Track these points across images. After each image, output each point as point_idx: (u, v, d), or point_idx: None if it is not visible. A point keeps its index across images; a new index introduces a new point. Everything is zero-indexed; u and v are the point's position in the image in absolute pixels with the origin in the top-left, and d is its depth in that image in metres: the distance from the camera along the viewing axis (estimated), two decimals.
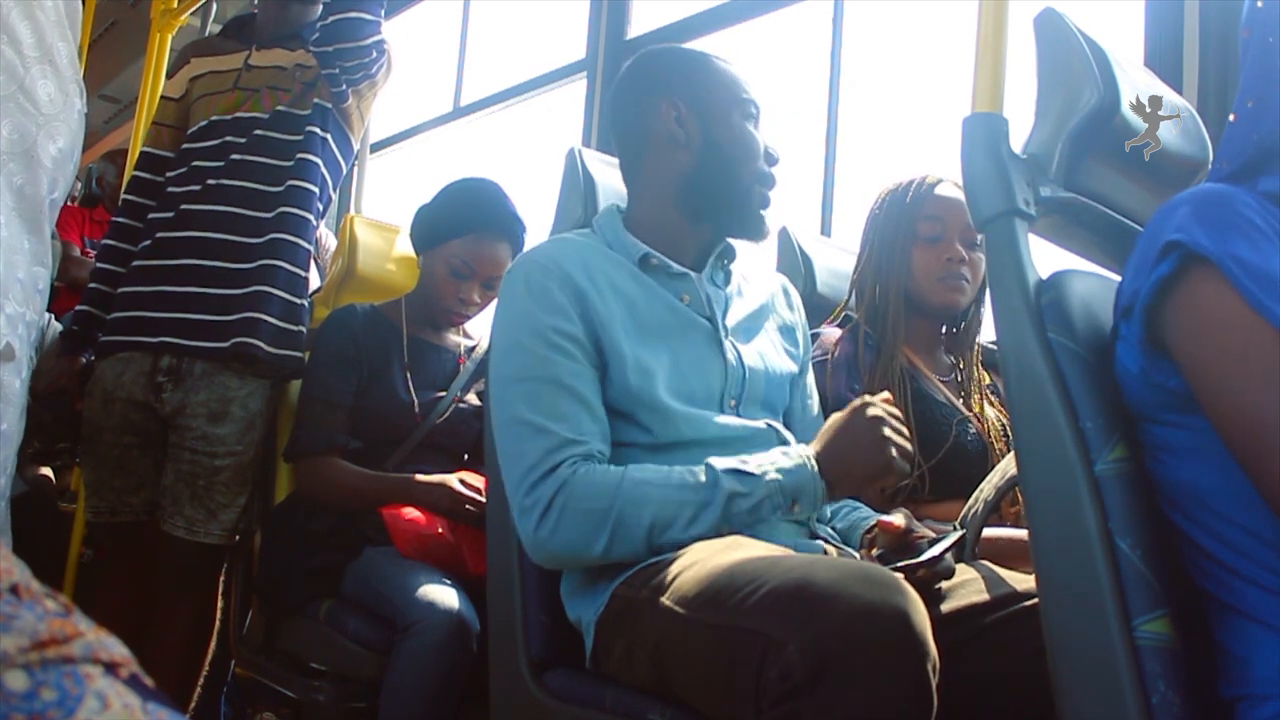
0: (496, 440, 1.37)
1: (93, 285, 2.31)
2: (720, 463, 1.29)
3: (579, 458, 1.30)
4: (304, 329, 2.17)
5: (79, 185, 4.38)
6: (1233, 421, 0.89)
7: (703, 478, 1.28)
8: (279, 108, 2.23)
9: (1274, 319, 0.85)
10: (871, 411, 1.29)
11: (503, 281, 1.45)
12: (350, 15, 2.09)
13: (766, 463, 1.29)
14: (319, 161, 2.21)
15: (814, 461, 1.29)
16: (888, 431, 1.27)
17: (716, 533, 1.26)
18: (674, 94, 1.49)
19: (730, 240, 1.55)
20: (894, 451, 1.26)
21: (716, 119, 1.48)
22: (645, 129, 1.51)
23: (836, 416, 1.33)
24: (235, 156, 2.19)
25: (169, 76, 2.51)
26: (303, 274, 2.17)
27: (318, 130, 2.22)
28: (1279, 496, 0.86)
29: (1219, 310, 0.89)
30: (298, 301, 2.16)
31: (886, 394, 1.33)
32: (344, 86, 2.21)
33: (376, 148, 3.99)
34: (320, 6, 2.32)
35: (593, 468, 1.29)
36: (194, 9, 3.20)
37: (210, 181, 2.18)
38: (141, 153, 2.44)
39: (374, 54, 2.16)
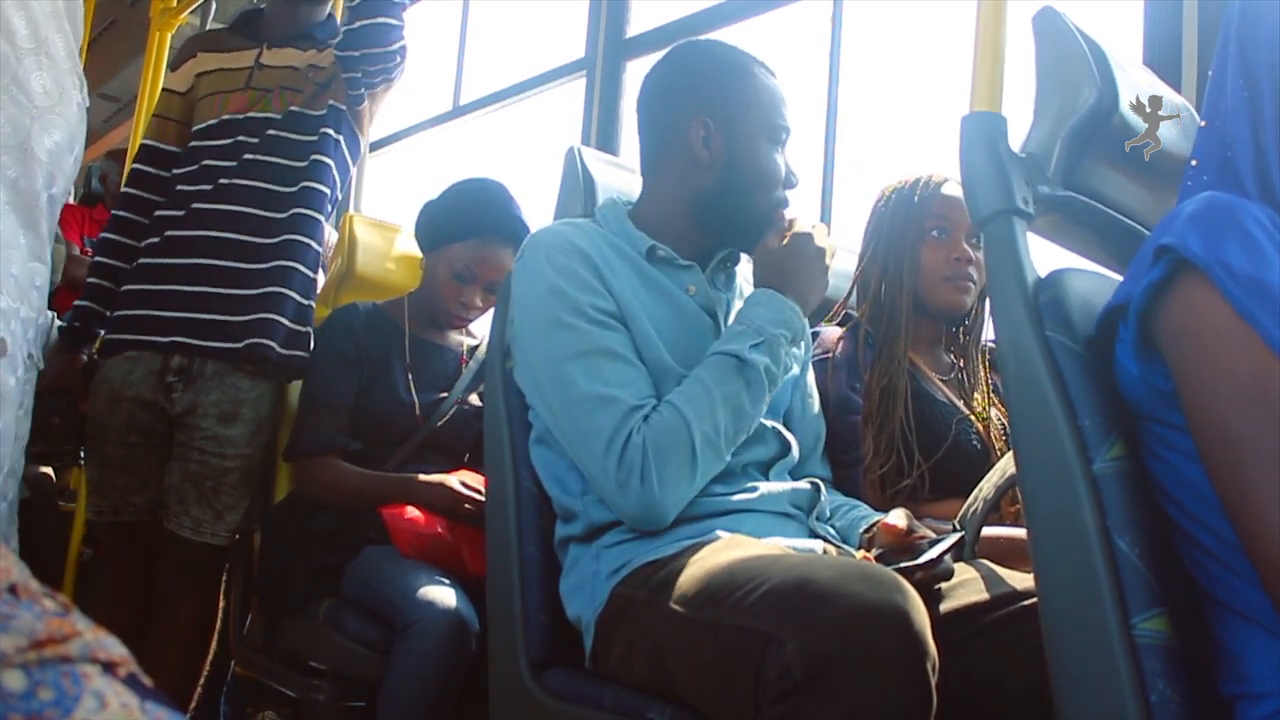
0: (560, 419, 1.36)
1: (92, 280, 2.29)
2: (728, 346, 1.36)
3: (641, 421, 1.31)
4: (310, 330, 2.17)
5: (76, 185, 4.37)
6: (1203, 430, 0.89)
7: (730, 365, 1.35)
8: (292, 108, 2.22)
9: (1259, 327, 0.85)
10: (797, 229, 1.45)
11: (520, 258, 1.45)
12: (379, 21, 2.10)
13: (754, 320, 1.38)
14: (331, 163, 2.21)
15: (781, 297, 1.40)
16: (821, 243, 1.45)
17: (763, 405, 1.38)
18: (707, 111, 1.47)
19: None
20: (827, 259, 1.46)
21: (744, 146, 1.48)
22: (672, 137, 1.50)
23: (783, 251, 1.44)
24: (248, 156, 2.18)
25: (172, 69, 2.49)
26: (313, 275, 2.18)
27: (331, 132, 2.22)
28: (1239, 514, 0.86)
29: (1205, 317, 0.89)
30: (307, 303, 2.16)
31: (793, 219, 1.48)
32: (363, 90, 2.22)
33: (375, 146, 3.99)
34: (327, 5, 2.33)
35: (652, 420, 1.31)
36: (193, 8, 3.20)
37: (222, 181, 2.17)
38: (142, 145, 2.41)
39: (398, 59, 2.18)
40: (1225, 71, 1.04)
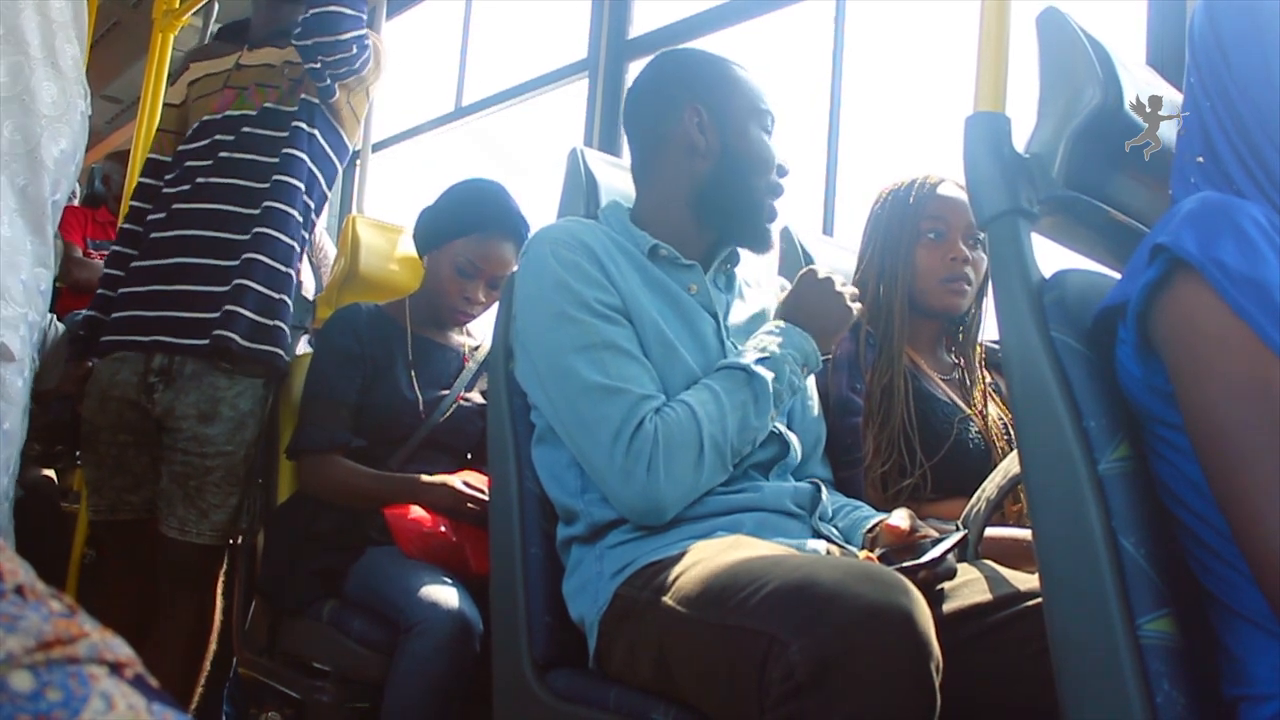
0: (563, 412, 1.36)
1: (100, 291, 2.33)
2: (735, 360, 1.39)
3: (652, 412, 1.32)
4: (284, 324, 2.16)
5: (80, 186, 4.38)
6: (1200, 429, 0.89)
7: (739, 377, 1.38)
8: (267, 105, 2.24)
9: (1255, 325, 0.85)
10: (820, 274, 1.49)
11: (525, 253, 1.46)
12: (330, 9, 2.10)
13: (771, 345, 1.42)
14: (305, 157, 2.21)
15: (794, 327, 1.45)
16: (838, 287, 1.48)
17: (768, 419, 1.39)
18: (698, 99, 1.50)
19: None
20: (848, 300, 1.48)
21: (736, 129, 1.50)
22: (665, 130, 1.52)
23: (793, 292, 1.51)
24: (223, 154, 2.20)
25: (171, 82, 2.53)
26: (284, 269, 2.17)
27: (304, 126, 2.22)
28: (1235, 512, 0.86)
29: (1200, 316, 0.89)
30: (277, 296, 2.15)
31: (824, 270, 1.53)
32: (328, 81, 2.22)
33: (378, 147, 3.99)
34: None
35: (664, 414, 1.32)
36: (196, 9, 3.20)
37: (199, 180, 2.19)
38: (147, 159, 2.47)
39: (354, 49, 2.17)
40: (1192, 87, 1.05)
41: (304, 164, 2.21)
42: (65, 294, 3.74)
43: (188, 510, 2.09)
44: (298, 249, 2.21)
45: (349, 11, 2.12)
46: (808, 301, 1.48)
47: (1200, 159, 1.03)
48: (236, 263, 2.11)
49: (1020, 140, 1.13)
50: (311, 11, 2.11)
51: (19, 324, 1.40)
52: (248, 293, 2.09)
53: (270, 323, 2.13)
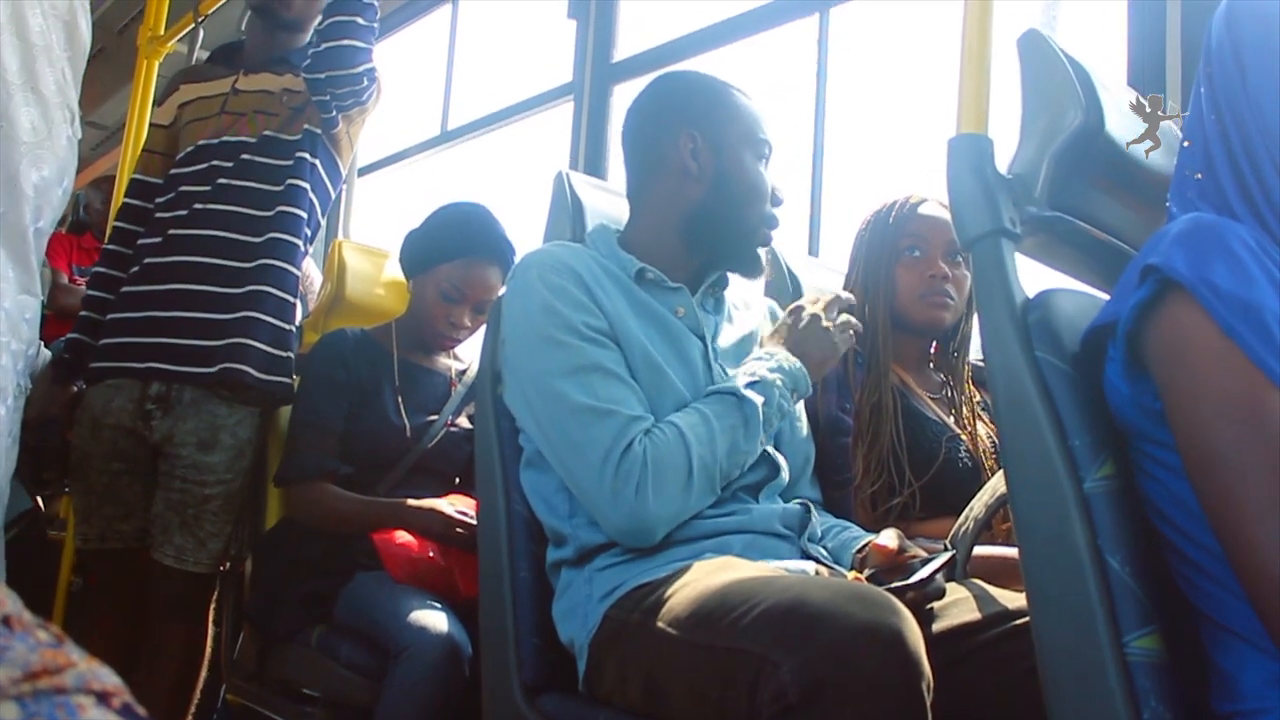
0: (551, 434, 1.36)
1: (84, 313, 2.30)
2: (726, 384, 1.40)
3: (641, 434, 1.32)
4: (292, 355, 2.16)
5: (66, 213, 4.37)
6: (1190, 449, 0.90)
7: (729, 401, 1.38)
8: (266, 132, 2.22)
9: (1245, 345, 0.86)
10: (808, 313, 1.50)
11: (512, 278, 1.46)
12: (343, 43, 2.10)
13: (760, 370, 1.42)
14: (308, 187, 2.21)
15: (784, 352, 1.46)
16: (825, 324, 1.49)
17: (758, 444, 1.39)
18: (694, 125, 1.50)
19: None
20: (836, 338, 1.49)
21: (731, 157, 1.50)
22: (660, 154, 1.52)
23: (781, 328, 1.52)
24: (222, 181, 2.18)
25: (159, 104, 2.51)
26: (291, 299, 2.17)
27: (307, 156, 2.22)
28: (1226, 531, 0.87)
29: (1191, 336, 0.89)
30: (286, 327, 2.15)
31: (812, 296, 1.55)
32: (334, 113, 2.21)
33: (364, 171, 3.99)
34: (307, 33, 2.33)
35: (653, 436, 1.32)
36: (180, 36, 3.20)
37: (197, 206, 2.17)
38: (132, 180, 2.44)
39: (365, 81, 2.16)
40: (1200, 99, 1.05)
41: (306, 194, 2.20)
42: (51, 320, 3.73)
43: (185, 539, 2.06)
44: (299, 277, 2.21)
45: (361, 45, 2.12)
46: (796, 336, 1.49)
47: (1199, 175, 1.03)
48: (240, 291, 2.10)
49: (1003, 161, 1.14)
50: (324, 45, 2.10)
51: (1, 353, 1.39)
52: (260, 325, 2.09)
53: (283, 354, 2.13)
